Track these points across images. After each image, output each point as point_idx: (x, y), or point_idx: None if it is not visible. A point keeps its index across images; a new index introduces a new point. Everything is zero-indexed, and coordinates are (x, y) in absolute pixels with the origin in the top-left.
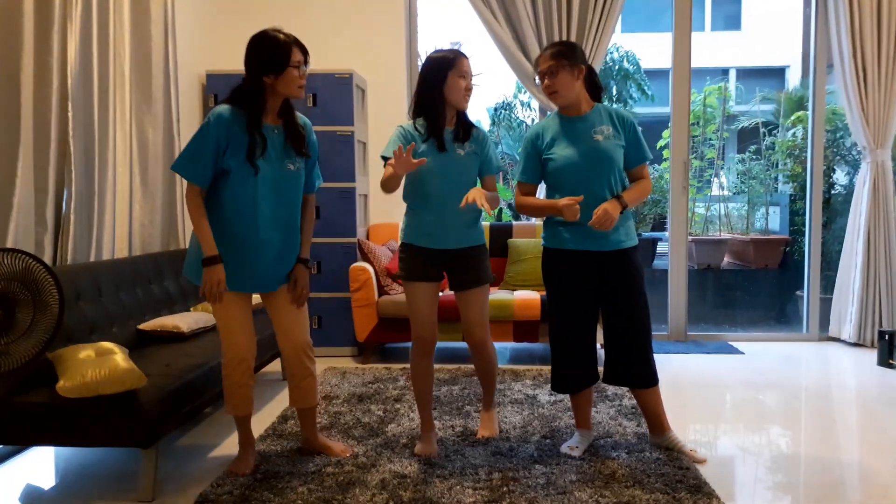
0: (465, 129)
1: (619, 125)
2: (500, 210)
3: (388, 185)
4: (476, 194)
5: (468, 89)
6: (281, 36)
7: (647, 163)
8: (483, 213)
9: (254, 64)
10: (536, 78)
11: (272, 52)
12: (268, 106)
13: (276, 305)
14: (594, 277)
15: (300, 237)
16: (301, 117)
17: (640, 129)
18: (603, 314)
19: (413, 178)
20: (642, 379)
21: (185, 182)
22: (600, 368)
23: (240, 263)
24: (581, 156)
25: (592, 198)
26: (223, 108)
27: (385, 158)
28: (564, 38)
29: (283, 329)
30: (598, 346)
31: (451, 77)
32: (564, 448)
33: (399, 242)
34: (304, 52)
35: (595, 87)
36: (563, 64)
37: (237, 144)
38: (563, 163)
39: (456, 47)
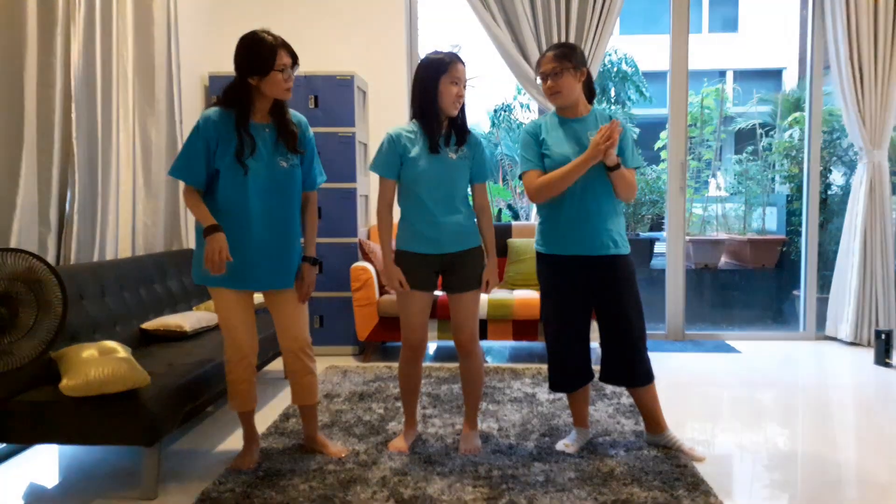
0: (460, 133)
1: None
2: (500, 210)
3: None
4: (490, 277)
5: (459, 96)
6: (268, 38)
7: (636, 169)
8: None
9: (240, 65)
10: (538, 78)
11: (258, 54)
12: (255, 106)
13: (277, 304)
14: (586, 280)
15: (303, 237)
16: (296, 115)
17: (633, 136)
18: (597, 314)
19: (405, 182)
20: (637, 377)
21: (184, 183)
22: (596, 367)
23: (235, 261)
24: (577, 157)
25: (585, 199)
26: (211, 111)
27: (375, 171)
28: (563, 40)
29: (283, 327)
30: (595, 343)
31: (443, 82)
32: (560, 445)
33: (394, 249)
34: (293, 55)
35: (590, 91)
36: (567, 66)
37: (226, 145)
38: (561, 161)
39: (454, 50)
